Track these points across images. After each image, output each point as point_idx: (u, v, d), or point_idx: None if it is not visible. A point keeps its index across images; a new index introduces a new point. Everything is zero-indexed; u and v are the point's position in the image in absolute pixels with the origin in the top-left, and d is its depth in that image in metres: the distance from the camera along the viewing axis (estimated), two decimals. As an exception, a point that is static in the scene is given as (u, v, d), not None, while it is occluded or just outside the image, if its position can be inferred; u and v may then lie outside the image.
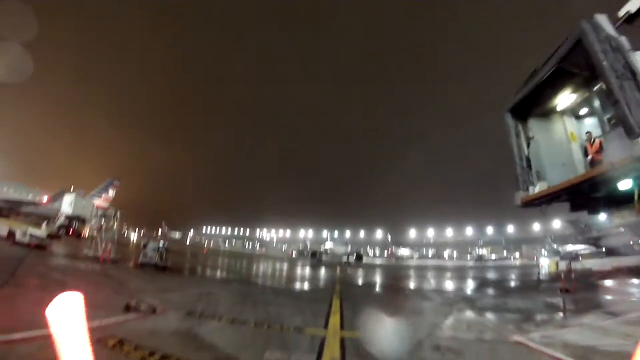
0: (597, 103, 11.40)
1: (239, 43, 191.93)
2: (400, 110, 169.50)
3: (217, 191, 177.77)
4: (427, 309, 12.89)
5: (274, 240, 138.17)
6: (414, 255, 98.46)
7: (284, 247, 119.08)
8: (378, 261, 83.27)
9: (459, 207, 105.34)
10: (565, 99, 11.94)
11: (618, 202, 10.32)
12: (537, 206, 12.92)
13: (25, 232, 21.61)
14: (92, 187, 48.70)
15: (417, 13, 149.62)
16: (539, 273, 29.65)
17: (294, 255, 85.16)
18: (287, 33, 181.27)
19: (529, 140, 12.99)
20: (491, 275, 34.51)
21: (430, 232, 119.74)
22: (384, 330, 8.58)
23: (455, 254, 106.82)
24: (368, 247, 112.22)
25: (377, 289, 21.62)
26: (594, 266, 29.99)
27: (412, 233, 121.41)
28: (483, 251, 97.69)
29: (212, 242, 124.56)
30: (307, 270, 35.38)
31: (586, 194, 11.09)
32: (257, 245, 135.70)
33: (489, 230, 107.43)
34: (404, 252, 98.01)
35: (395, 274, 35.51)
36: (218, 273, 25.29)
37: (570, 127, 12.66)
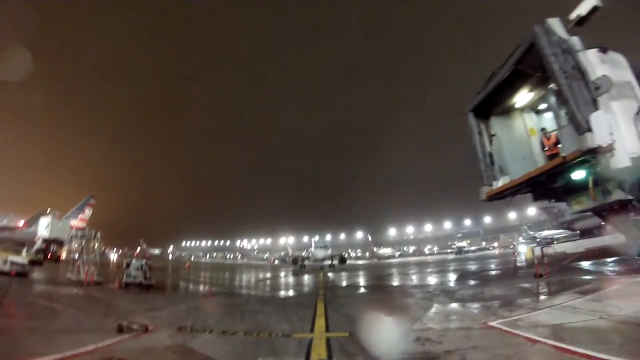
0: (552, 100, 12.19)
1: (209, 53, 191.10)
2: (374, 110, 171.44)
3: (194, 205, 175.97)
4: (408, 304, 13.37)
5: (255, 249, 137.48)
6: (395, 253, 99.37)
7: (266, 255, 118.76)
8: (360, 262, 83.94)
9: (436, 203, 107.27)
10: (523, 97, 12.80)
11: (575, 190, 11.12)
12: (502, 199, 13.73)
13: (6, 260, 21.15)
14: (65, 206, 47.41)
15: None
16: (515, 261, 30.62)
17: (276, 263, 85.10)
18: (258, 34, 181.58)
19: (491, 137, 13.79)
20: (470, 266, 35.26)
21: (410, 229, 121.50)
22: (368, 327, 9.01)
23: (435, 248, 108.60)
24: (350, 249, 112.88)
25: (360, 289, 22.06)
26: (568, 249, 31.13)
27: (392, 232, 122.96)
28: (462, 243, 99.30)
29: (192, 256, 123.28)
30: (290, 277, 35.58)
31: (545, 185, 11.91)
32: (239, 256, 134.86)
33: (467, 222, 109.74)
34: (385, 251, 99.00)
35: (377, 273, 36.03)
36: (202, 287, 25.34)
37: (530, 122, 13.54)
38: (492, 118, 13.87)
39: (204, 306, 14.17)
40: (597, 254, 22.75)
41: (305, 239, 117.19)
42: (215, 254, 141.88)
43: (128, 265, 21.04)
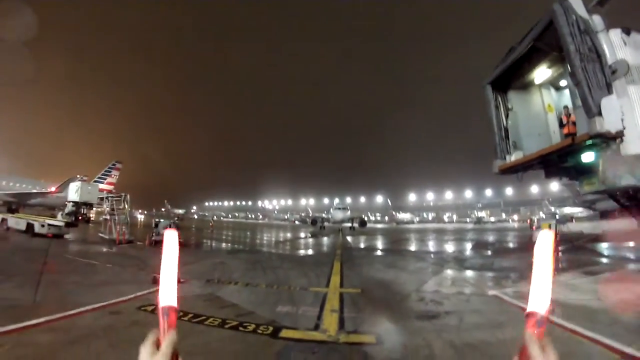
0: (570, 79, 12.16)
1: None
2: (400, 77, 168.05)
3: (217, 166, 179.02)
4: (419, 268, 14.16)
5: (276, 210, 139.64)
6: (414, 219, 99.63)
7: (287, 215, 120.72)
8: (379, 226, 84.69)
9: (458, 171, 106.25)
10: (542, 73, 12.77)
11: (587, 171, 11.15)
12: (514, 173, 14.00)
13: (44, 223, 22.60)
14: (92, 170, 49.01)
15: None
16: (532, 235, 30.67)
17: (296, 223, 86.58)
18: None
19: (507, 111, 13.88)
20: (486, 237, 35.62)
21: (430, 196, 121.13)
22: (378, 286, 9.84)
23: (454, 217, 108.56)
24: (369, 213, 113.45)
25: (377, 252, 22.89)
26: (585, 229, 31.07)
27: (412, 197, 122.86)
28: (482, 214, 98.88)
29: (214, 216, 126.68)
30: (310, 237, 36.75)
31: (557, 163, 12.12)
32: (260, 216, 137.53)
33: (488, 193, 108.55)
34: (404, 216, 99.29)
35: (395, 237, 36.75)
36: (226, 245, 26.59)
37: (548, 99, 13.53)
38: (510, 92, 13.83)
39: (228, 262, 15.22)
40: (613, 237, 22.66)
41: (326, 200, 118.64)
42: (237, 213, 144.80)
43: (157, 224, 22.37)
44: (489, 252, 21.36)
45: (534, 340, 0.82)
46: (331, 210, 58.88)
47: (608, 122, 9.13)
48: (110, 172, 50.26)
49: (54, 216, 28.21)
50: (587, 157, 10.20)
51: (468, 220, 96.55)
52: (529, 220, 56.54)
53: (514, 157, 13.19)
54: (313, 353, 5.22)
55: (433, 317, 7.00)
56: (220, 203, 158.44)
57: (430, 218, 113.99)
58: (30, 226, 23.10)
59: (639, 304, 7.55)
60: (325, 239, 33.71)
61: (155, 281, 9.71)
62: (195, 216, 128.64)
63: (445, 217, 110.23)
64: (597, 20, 10.39)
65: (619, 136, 9.34)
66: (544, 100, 13.58)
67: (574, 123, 11.51)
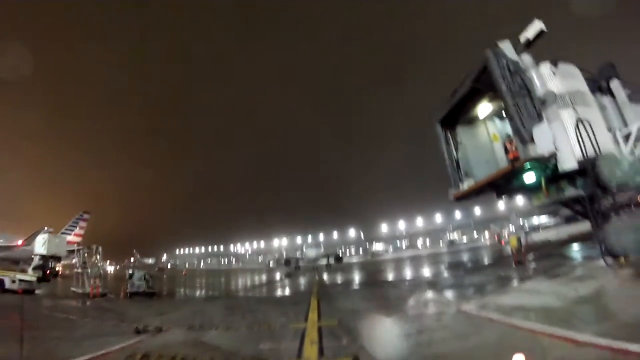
0: (507, 112, 13.56)
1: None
2: (364, 112, 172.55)
3: (185, 212, 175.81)
4: (393, 295, 14.87)
5: (249, 253, 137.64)
6: (388, 249, 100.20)
7: (260, 258, 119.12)
8: (354, 260, 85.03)
9: (426, 197, 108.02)
10: (484, 108, 14.23)
11: (532, 189, 12.58)
12: (468, 199, 15.19)
13: (14, 279, 22.04)
14: (56, 221, 47.25)
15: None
16: (500, 250, 32.00)
17: (271, 265, 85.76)
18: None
19: (457, 144, 15.24)
20: (459, 258, 36.76)
21: (402, 224, 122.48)
22: (354, 317, 10.37)
23: (428, 242, 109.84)
24: (343, 247, 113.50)
25: (351, 286, 23.42)
26: (552, 237, 32.64)
27: (384, 228, 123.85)
28: (454, 236, 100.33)
29: (186, 263, 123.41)
30: (285, 278, 36.97)
31: (505, 185, 13.40)
32: (233, 260, 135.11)
33: (458, 215, 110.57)
34: (378, 247, 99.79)
35: (369, 270, 37.42)
36: (202, 292, 26.57)
37: (493, 129, 14.98)
38: (458, 127, 15.23)
39: (207, 308, 15.44)
40: (576, 240, 23.90)
41: (299, 240, 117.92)
42: (209, 259, 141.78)
43: (131, 276, 22.27)
44: (460, 272, 22.20)
45: None
46: (304, 249, 58.95)
47: (540, 147, 10.36)
48: (77, 222, 48.54)
49: (23, 270, 27.32)
50: (529, 177, 11.37)
51: (441, 243, 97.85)
52: (496, 236, 58.28)
53: (466, 185, 14.39)
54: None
55: (407, 337, 7.58)
56: (191, 250, 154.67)
57: (404, 246, 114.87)
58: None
59: (595, 297, 8.22)
60: (301, 279, 33.94)
61: (138, 331, 10.02)
62: (169, 265, 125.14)
63: (419, 244, 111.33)
64: (526, 59, 11.82)
65: (552, 157, 10.59)
66: (489, 131, 15.00)
67: (516, 149, 12.76)
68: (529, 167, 11.04)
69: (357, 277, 30.21)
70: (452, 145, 15.26)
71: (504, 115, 14.85)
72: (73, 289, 23.51)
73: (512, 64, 11.33)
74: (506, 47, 11.71)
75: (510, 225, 69.99)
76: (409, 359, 6.08)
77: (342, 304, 14.17)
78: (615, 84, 12.77)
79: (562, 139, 10.70)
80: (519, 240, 20.33)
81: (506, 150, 13.63)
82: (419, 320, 9.22)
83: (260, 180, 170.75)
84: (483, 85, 12.46)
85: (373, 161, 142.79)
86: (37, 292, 22.55)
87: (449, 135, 15.38)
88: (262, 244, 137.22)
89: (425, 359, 5.98)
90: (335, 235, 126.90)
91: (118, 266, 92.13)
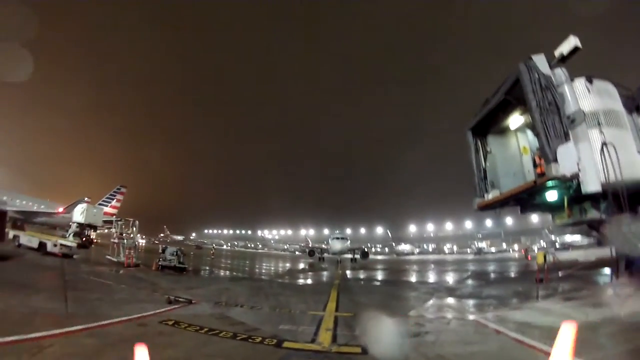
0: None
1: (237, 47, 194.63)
2: (401, 111, 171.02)
3: (217, 193, 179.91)
4: (411, 296, 15.31)
5: (275, 239, 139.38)
6: (414, 250, 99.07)
7: (286, 246, 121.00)
8: (380, 257, 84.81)
9: (458, 201, 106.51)
10: (516, 120, 14.22)
11: (556, 206, 12.57)
12: (492, 210, 15.34)
13: (56, 243, 23.84)
14: (93, 192, 49.50)
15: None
16: (527, 265, 31.50)
17: (296, 253, 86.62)
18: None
19: (486, 154, 15.34)
20: (483, 267, 36.31)
21: (430, 227, 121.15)
22: (370, 311, 10.95)
23: (455, 247, 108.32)
24: (369, 244, 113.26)
25: (372, 282, 23.95)
26: (580, 257, 31.84)
27: (413, 228, 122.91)
28: (482, 244, 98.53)
29: (214, 244, 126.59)
30: (308, 269, 37.93)
31: (528, 201, 13.48)
32: (259, 245, 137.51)
33: (488, 223, 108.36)
34: (404, 247, 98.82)
35: (393, 268, 37.64)
36: (229, 272, 27.73)
37: (524, 141, 14.95)
38: (489, 136, 15.30)
39: (233, 288, 16.54)
40: (606, 264, 23.23)
41: (326, 231, 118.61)
42: (236, 242, 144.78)
43: (164, 250, 23.60)
44: (481, 282, 22.16)
45: None
46: (329, 240, 56.43)
47: (563, 167, 10.38)
48: (114, 196, 50.96)
49: (62, 236, 29.23)
50: (551, 195, 11.47)
51: (469, 250, 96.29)
52: (524, 250, 56.99)
53: (491, 196, 14.51)
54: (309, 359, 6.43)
55: (414, 336, 8.09)
56: (219, 231, 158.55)
57: (430, 249, 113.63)
58: (42, 245, 24.28)
59: (602, 324, 8.34)
60: (324, 271, 34.54)
61: (170, 301, 11.10)
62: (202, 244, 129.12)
63: (446, 248, 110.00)
64: (560, 74, 11.68)
65: (574, 178, 10.58)
66: (520, 143, 14.98)
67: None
68: (552, 185, 11.13)
69: (379, 275, 30.61)
70: (482, 153, 15.36)
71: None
72: (108, 257, 25.20)
73: (545, 78, 11.28)
74: (540, 60, 11.65)
75: (542, 240, 68.11)
76: (412, 355, 6.60)
77: (361, 298, 14.84)
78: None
79: (587, 160, 10.70)
80: (545, 257, 20.06)
81: (535, 164, 13.71)
82: (430, 322, 9.73)
83: (297, 172, 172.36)
84: (514, 98, 12.54)
85: (409, 161, 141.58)
86: (74, 257, 24.38)
87: (479, 143, 15.49)
88: (289, 231, 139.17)
89: (427, 358, 6.47)
90: (362, 230, 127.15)
91: (148, 240, 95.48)
